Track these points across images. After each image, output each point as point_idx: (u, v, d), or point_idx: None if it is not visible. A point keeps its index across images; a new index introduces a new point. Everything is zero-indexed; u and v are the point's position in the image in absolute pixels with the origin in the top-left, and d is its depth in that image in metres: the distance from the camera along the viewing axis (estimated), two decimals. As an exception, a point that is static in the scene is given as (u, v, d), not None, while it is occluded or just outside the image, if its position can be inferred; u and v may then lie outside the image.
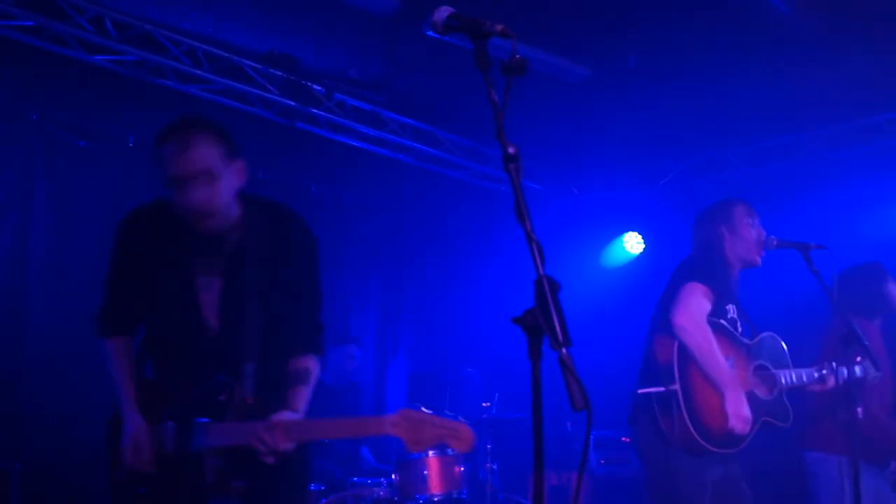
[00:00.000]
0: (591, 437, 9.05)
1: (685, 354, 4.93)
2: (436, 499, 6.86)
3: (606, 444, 9.13)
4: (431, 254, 10.49)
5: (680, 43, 7.53)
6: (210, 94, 7.93)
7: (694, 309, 4.94)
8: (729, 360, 5.08)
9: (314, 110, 8.42)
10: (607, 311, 9.92)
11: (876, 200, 8.42)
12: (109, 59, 7.39)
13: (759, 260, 5.40)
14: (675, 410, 4.85)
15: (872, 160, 8.49)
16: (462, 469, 7.03)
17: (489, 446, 7.74)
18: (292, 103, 8.21)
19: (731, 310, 5.29)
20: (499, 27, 2.53)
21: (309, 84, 8.15)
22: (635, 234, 10.46)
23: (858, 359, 5.34)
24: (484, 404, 8.09)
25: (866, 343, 4.93)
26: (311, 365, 3.75)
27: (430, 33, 3.03)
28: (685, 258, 5.39)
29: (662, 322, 5.06)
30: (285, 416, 3.43)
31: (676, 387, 4.87)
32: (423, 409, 3.59)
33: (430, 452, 6.85)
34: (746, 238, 5.36)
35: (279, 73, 8.05)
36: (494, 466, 7.74)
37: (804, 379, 5.39)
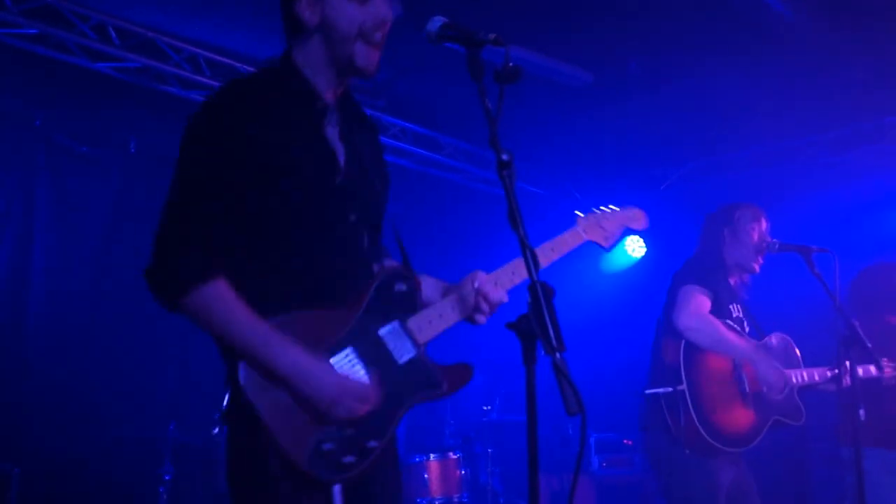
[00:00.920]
0: (593, 439, 9.11)
1: (690, 355, 5.04)
2: (436, 502, 6.87)
3: (608, 447, 9.15)
4: (432, 257, 10.47)
5: (681, 47, 7.54)
6: (212, 99, 7.93)
7: (694, 308, 5.06)
8: (740, 364, 5.15)
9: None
10: (611, 315, 9.95)
11: (878, 202, 8.44)
12: (112, 65, 7.43)
13: (756, 267, 5.47)
14: (683, 409, 4.93)
15: (874, 163, 8.51)
16: (463, 473, 7.05)
17: (490, 450, 7.75)
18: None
19: (736, 309, 5.36)
20: (492, 36, 2.57)
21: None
22: (637, 237, 10.47)
23: (885, 360, 5.47)
24: (485, 407, 8.10)
25: (869, 345, 4.97)
26: None
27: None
28: (685, 262, 5.46)
29: (667, 326, 5.17)
30: (479, 273, 3.13)
31: (683, 387, 4.95)
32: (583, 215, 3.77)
33: (432, 456, 6.85)
34: (746, 243, 5.42)
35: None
36: (495, 470, 7.75)
37: (816, 378, 5.49)
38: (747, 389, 5.14)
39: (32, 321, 7.35)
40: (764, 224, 5.52)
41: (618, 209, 3.91)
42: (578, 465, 2.27)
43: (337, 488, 2.73)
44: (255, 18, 7.17)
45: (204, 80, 7.75)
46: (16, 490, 6.22)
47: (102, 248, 7.75)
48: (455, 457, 6.98)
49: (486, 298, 3.09)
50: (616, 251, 10.61)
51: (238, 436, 2.74)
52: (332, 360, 2.78)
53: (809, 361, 5.58)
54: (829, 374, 5.50)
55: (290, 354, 2.67)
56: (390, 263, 3.21)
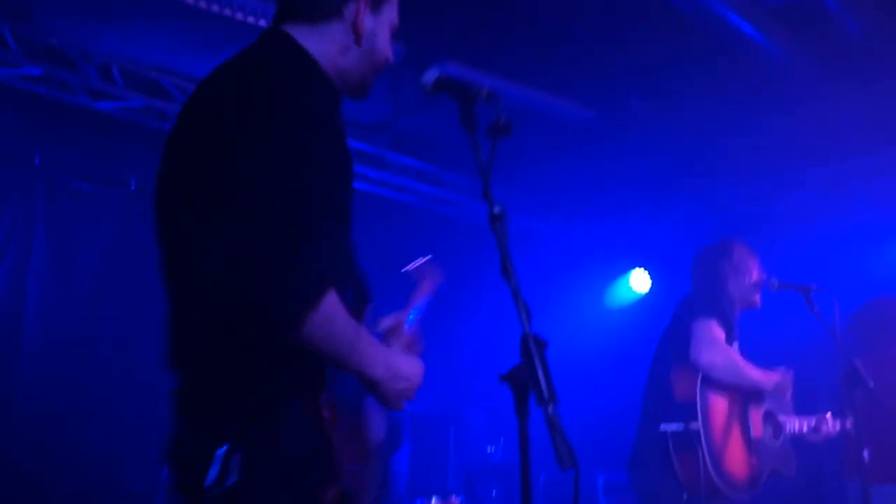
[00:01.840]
0: (601, 480, 9.03)
1: (707, 392, 4.91)
2: (441, 545, 6.80)
3: (617, 488, 9.07)
4: (437, 293, 10.50)
5: (680, 85, 7.64)
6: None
7: (715, 342, 4.95)
8: (747, 407, 5.12)
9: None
10: (617, 350, 9.92)
11: (877, 236, 8.46)
12: (115, 105, 7.50)
13: (758, 301, 5.45)
14: (697, 450, 4.76)
15: (873, 197, 8.54)
16: (467, 515, 6.99)
17: (494, 492, 7.68)
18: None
19: (735, 348, 5.32)
20: (485, 91, 2.59)
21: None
22: (642, 270, 10.47)
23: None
24: (488, 448, 8.06)
25: (871, 385, 4.97)
26: None
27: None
28: (687, 294, 5.41)
29: (680, 358, 5.01)
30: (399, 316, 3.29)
31: (698, 425, 4.81)
32: None
33: (434, 499, 6.79)
34: (747, 278, 5.39)
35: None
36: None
37: (804, 429, 5.45)
38: (752, 435, 5.11)
39: (26, 356, 7.36)
40: (758, 260, 5.52)
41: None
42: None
43: None
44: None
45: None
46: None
47: (99, 286, 7.77)
48: (457, 500, 6.90)
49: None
50: (620, 287, 10.63)
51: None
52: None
53: (805, 405, 5.57)
54: (813, 424, 5.48)
55: (382, 351, 2.61)
56: None
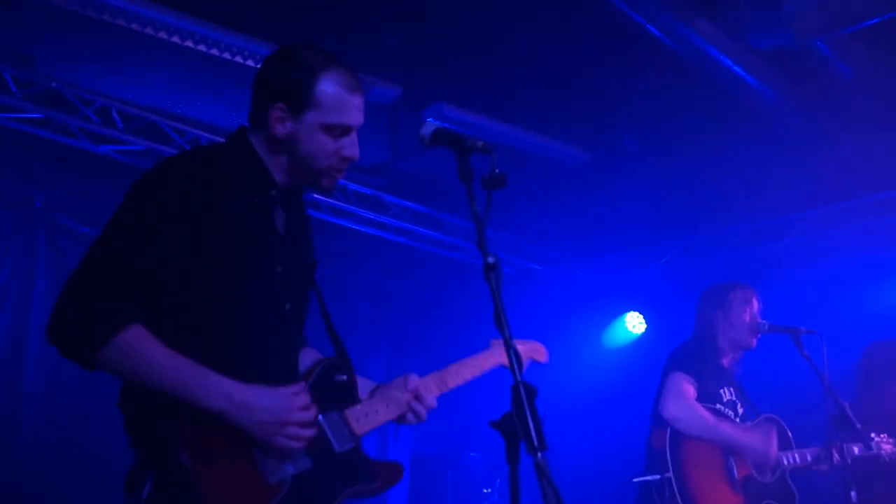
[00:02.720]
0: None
1: (676, 443, 5.07)
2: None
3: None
4: (435, 334, 10.55)
5: (675, 127, 7.74)
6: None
7: (680, 397, 5.12)
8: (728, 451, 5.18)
9: (317, 196, 8.44)
10: (613, 390, 9.93)
11: (866, 277, 8.52)
12: (115, 148, 7.54)
13: (753, 342, 5.52)
14: (669, 497, 4.97)
15: (864, 239, 8.62)
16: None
17: (491, 534, 7.70)
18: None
19: (728, 392, 5.39)
20: (480, 143, 2.68)
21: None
22: (637, 314, 10.51)
23: (873, 436, 5.52)
24: (485, 490, 8.06)
25: (858, 427, 5.02)
26: None
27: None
28: (677, 346, 5.52)
29: (655, 414, 5.25)
30: (412, 376, 3.34)
31: (670, 474, 4.99)
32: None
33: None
34: (738, 323, 5.47)
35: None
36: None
37: (808, 459, 5.48)
38: (736, 476, 5.18)
39: (27, 397, 7.39)
40: (756, 305, 5.59)
41: (521, 341, 4.06)
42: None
43: None
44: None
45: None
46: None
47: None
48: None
49: (421, 401, 3.30)
50: (616, 328, 10.65)
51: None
52: None
53: (801, 442, 5.60)
54: (819, 454, 5.51)
55: (226, 384, 2.69)
56: (318, 354, 3.26)
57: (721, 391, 5.36)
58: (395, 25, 6.60)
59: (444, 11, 6.39)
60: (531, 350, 4.15)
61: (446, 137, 2.78)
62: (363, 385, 3.29)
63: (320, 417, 2.95)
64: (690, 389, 5.18)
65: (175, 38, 6.38)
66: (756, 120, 7.32)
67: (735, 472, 5.17)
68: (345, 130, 2.97)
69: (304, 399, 2.84)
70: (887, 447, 5.57)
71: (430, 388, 3.40)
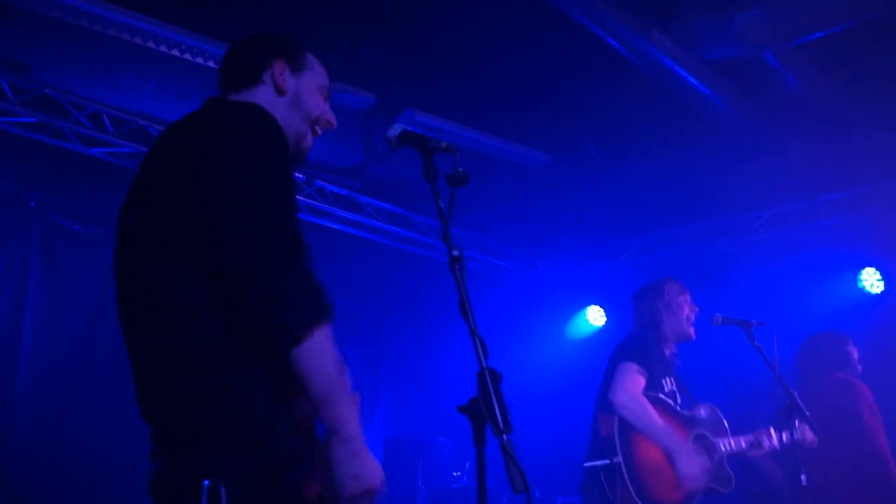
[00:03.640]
0: (559, 502, 9.01)
1: (625, 429, 5.04)
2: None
3: (574, 509, 9.07)
4: (408, 328, 10.55)
5: (632, 133, 7.76)
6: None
7: (629, 386, 5.08)
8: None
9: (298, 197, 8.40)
10: (573, 380, 9.94)
11: (811, 274, 8.61)
12: (106, 150, 7.50)
13: (693, 333, 5.54)
14: (619, 482, 4.90)
15: (809, 239, 8.69)
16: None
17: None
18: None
19: (669, 383, 5.40)
20: (444, 144, 2.68)
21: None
22: (597, 307, 10.52)
23: (797, 423, 5.47)
24: (454, 473, 8.05)
25: (807, 413, 5.03)
26: None
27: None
28: (623, 338, 5.52)
29: (603, 401, 5.18)
30: None
31: (619, 459, 4.94)
32: None
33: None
34: (679, 314, 5.49)
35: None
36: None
37: (743, 445, 5.51)
38: None
39: (19, 401, 7.30)
40: (689, 297, 5.62)
41: None
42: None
43: None
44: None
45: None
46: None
47: (91, 322, 7.75)
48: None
49: None
50: (577, 320, 10.67)
51: None
52: None
53: (753, 427, 5.62)
54: (752, 440, 5.54)
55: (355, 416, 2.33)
56: None
57: (663, 381, 5.36)
58: (371, 38, 6.60)
59: (417, 26, 6.39)
60: None
61: (411, 138, 2.75)
62: None
63: None
64: (641, 379, 5.14)
65: (163, 48, 6.35)
66: (708, 127, 7.32)
67: None
68: (328, 96, 2.98)
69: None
70: (810, 436, 5.56)
71: None
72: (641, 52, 6.32)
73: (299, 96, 2.89)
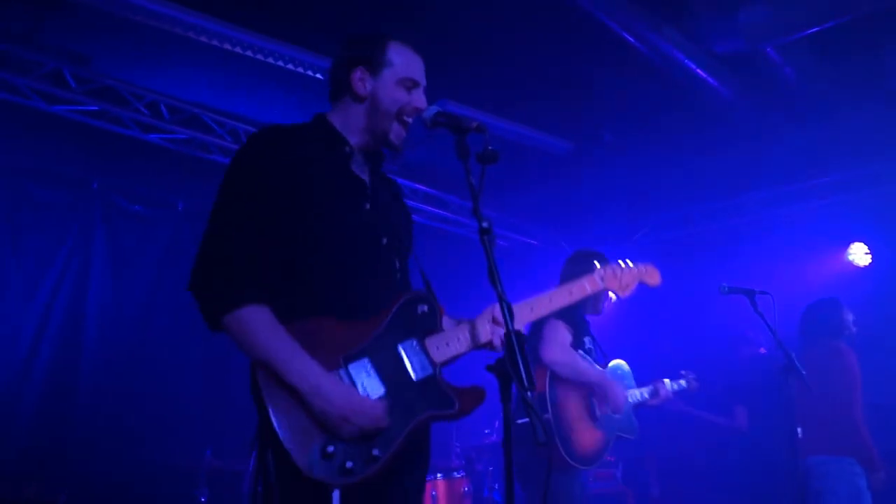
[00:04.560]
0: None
1: (555, 385, 5.04)
2: (443, 518, 6.75)
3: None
4: (447, 301, 10.56)
5: (644, 122, 7.82)
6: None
7: (560, 342, 5.06)
8: (591, 392, 5.22)
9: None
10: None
11: (808, 248, 8.77)
12: (162, 136, 7.56)
13: (601, 309, 5.56)
14: (552, 437, 4.89)
15: (806, 216, 8.87)
16: (466, 490, 6.94)
17: (491, 469, 7.67)
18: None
19: (588, 341, 5.40)
20: (474, 124, 2.69)
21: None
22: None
23: (682, 372, 6.15)
24: (486, 431, 8.08)
25: (803, 372, 5.03)
26: None
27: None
28: None
29: (533, 357, 5.07)
30: (495, 306, 2.83)
31: (549, 415, 4.95)
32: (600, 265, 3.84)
33: (439, 475, 6.77)
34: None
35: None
36: (496, 486, 7.68)
37: (646, 395, 5.71)
38: (598, 413, 5.20)
39: (85, 362, 7.39)
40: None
41: (633, 265, 4.01)
42: (547, 489, 2.31)
43: (336, 494, 2.50)
44: (286, 97, 7.30)
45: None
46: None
47: (150, 296, 7.80)
48: (459, 476, 6.88)
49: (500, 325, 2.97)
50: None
51: (257, 439, 2.62)
52: (349, 367, 2.65)
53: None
54: (651, 389, 5.74)
55: (307, 369, 2.56)
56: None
57: (584, 339, 5.34)
58: (405, 35, 6.59)
59: (451, 24, 6.38)
60: (644, 272, 4.08)
61: (445, 119, 2.78)
62: (448, 321, 3.06)
63: (399, 346, 2.79)
64: (568, 336, 5.11)
65: (214, 42, 6.39)
66: (714, 114, 7.37)
67: (597, 410, 5.19)
68: (414, 84, 3.04)
69: (378, 410, 2.63)
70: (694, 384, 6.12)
71: (519, 314, 3.17)
72: (654, 46, 6.35)
73: (376, 98, 2.99)
